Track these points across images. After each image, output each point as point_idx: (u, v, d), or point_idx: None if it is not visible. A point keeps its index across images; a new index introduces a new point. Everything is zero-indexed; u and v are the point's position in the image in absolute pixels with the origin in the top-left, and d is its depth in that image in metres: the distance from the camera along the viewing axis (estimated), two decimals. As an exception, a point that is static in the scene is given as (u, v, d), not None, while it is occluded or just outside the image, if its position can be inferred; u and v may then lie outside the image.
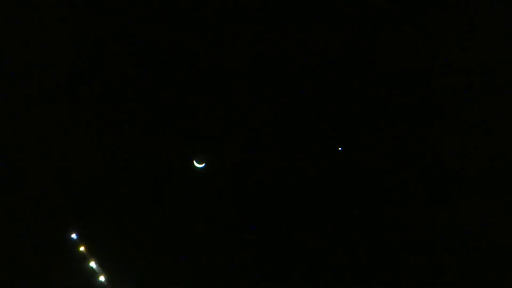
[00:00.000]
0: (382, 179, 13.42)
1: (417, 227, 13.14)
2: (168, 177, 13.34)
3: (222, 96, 13.57)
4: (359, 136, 13.66)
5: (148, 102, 13.35)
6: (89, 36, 13.33)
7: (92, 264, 12.76)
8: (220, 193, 13.50)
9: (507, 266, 12.64)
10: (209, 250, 13.19)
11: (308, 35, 13.64)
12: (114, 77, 13.34)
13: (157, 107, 13.37)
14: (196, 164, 13.37)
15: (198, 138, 13.52)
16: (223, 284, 13.05)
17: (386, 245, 13.16)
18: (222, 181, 13.51)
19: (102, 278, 12.70)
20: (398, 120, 13.57)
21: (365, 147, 13.58)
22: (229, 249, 13.25)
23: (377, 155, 13.55)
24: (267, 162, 13.68)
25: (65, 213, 12.89)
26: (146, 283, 12.75)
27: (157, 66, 13.41)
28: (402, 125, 13.60)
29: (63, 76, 13.25)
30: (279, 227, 13.48)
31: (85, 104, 13.30)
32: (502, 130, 13.23)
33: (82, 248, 12.77)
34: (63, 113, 13.14)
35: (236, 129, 13.58)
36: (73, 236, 12.80)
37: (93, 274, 12.71)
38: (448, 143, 13.48)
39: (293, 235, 13.49)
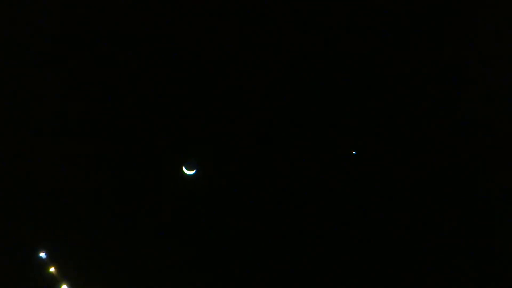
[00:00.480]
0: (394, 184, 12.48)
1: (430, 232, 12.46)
2: (154, 186, 12.00)
3: (214, 98, 12.18)
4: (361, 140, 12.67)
5: (130, 104, 11.89)
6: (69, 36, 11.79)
7: (64, 288, 11.51)
8: (212, 203, 12.28)
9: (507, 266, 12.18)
10: (201, 266, 12.10)
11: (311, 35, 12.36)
12: (96, 79, 11.87)
13: (140, 109, 11.91)
14: (185, 171, 12.11)
15: (187, 142, 12.19)
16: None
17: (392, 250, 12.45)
18: (215, 189, 12.29)
19: (75, 304, 11.51)
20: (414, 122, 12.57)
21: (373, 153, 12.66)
22: (221, 261, 12.19)
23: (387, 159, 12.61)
24: (265, 168, 12.46)
25: (31, 227, 11.48)
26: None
27: (145, 68, 11.96)
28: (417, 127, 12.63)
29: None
30: (276, 243, 12.41)
31: (61, 106, 11.78)
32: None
33: (52, 269, 11.53)
34: (34, 116, 11.61)
35: (230, 133, 12.27)
36: (42, 255, 11.53)
37: (65, 299, 11.45)
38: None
39: (290, 246, 12.45)
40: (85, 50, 11.88)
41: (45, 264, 11.54)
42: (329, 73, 12.55)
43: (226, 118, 12.28)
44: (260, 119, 12.28)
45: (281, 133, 12.39)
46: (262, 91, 12.26)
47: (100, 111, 11.86)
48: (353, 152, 12.29)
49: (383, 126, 12.37)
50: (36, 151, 11.76)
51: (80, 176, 11.83)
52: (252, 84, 12.24)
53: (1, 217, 11.45)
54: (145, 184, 11.98)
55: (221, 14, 12.25)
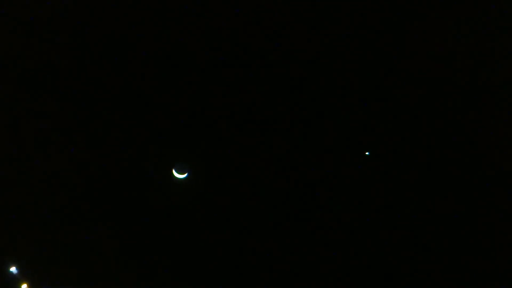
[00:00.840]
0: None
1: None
2: (143, 190, 11.09)
3: (207, 96, 11.27)
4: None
5: (121, 105, 10.91)
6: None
7: (38, 307, 10.48)
8: (204, 209, 11.44)
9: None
10: (193, 271, 11.35)
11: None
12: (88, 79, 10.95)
13: (130, 109, 10.94)
14: (176, 174, 11.37)
15: (178, 143, 11.37)
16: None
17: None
18: (207, 194, 11.46)
19: (51, 324, 10.50)
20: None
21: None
22: (215, 266, 11.46)
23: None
24: (263, 170, 11.50)
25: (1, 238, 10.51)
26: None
27: (136, 67, 11.03)
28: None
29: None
30: (272, 252, 11.53)
31: (45, 108, 10.63)
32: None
33: (24, 286, 10.61)
34: (19, 117, 10.41)
35: (225, 133, 11.42)
36: (13, 269, 10.61)
37: (39, 320, 10.44)
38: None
39: (288, 256, 11.54)
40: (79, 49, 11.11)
41: (16, 280, 10.67)
42: (330, 73, 12.03)
43: (221, 118, 11.57)
44: (259, 119, 11.59)
45: (281, 133, 11.68)
46: (261, 90, 11.59)
47: (87, 112, 10.99)
48: (366, 153, 11.68)
49: (396, 126, 11.80)
50: (11, 154, 10.75)
51: (58, 182, 10.83)
52: (252, 83, 11.55)
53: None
54: (132, 189, 11.02)
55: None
